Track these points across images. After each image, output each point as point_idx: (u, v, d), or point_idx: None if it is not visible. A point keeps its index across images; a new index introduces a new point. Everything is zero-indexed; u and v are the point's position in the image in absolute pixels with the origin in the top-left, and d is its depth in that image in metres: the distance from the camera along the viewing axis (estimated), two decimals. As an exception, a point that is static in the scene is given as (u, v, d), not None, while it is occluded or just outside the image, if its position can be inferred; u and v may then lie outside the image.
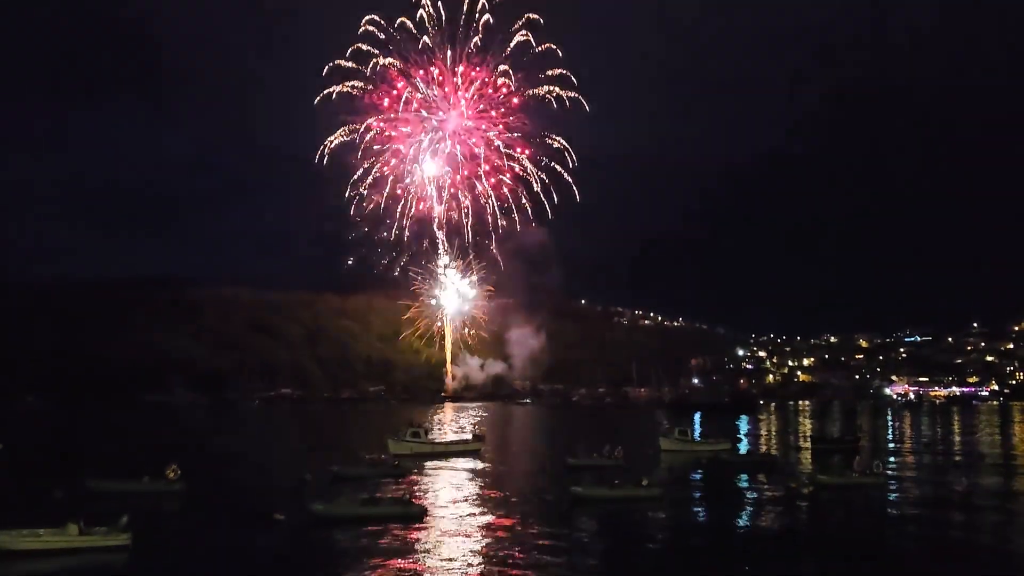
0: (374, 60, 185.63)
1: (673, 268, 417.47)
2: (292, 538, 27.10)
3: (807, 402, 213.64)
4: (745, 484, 41.30)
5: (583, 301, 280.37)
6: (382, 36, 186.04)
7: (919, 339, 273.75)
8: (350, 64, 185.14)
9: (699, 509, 35.69)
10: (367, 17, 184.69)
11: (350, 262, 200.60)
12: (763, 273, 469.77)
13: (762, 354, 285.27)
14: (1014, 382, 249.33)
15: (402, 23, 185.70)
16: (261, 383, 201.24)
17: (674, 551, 26.49)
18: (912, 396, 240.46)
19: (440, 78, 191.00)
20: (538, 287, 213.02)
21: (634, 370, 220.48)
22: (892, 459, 54.84)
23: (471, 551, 25.36)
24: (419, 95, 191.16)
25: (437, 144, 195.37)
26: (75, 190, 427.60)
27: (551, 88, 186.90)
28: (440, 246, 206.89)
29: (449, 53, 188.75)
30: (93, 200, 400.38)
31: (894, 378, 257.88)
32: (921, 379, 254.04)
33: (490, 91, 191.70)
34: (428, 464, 48.96)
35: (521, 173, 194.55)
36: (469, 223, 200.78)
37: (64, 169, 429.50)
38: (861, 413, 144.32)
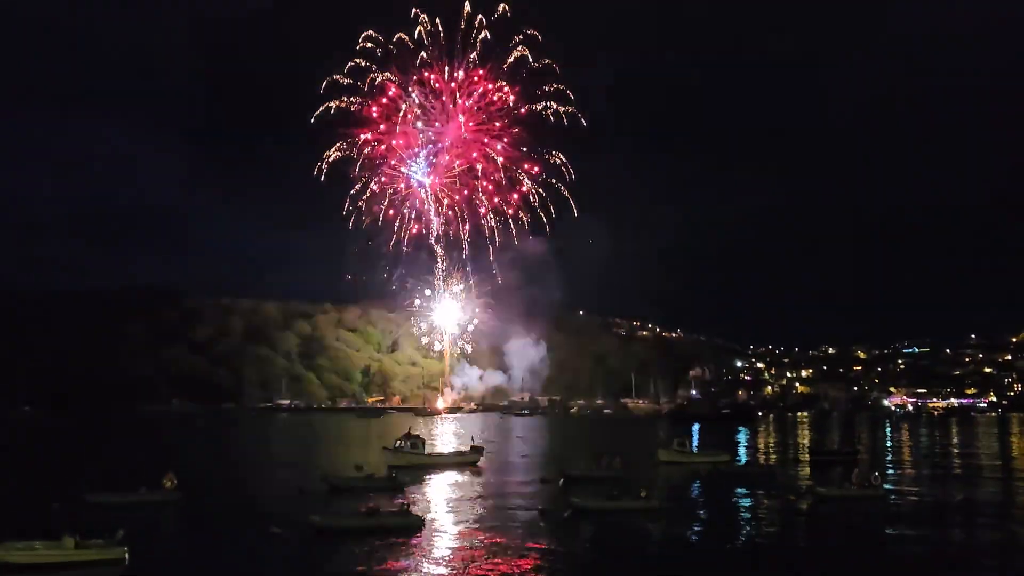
0: (371, 75, 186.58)
1: (672, 279, 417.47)
2: (290, 550, 26.98)
3: (805, 413, 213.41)
4: (744, 496, 41.20)
5: (581, 312, 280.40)
6: (380, 51, 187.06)
7: (917, 350, 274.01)
8: (348, 79, 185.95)
9: (698, 521, 35.56)
10: (365, 33, 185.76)
11: (348, 277, 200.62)
12: (762, 284, 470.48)
13: (760, 365, 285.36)
14: (1012, 394, 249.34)
15: (400, 39, 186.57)
16: (259, 394, 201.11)
17: (672, 563, 26.38)
18: (910, 408, 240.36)
19: (438, 91, 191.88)
20: (536, 298, 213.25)
21: (632, 381, 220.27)
22: (891, 471, 54.74)
23: (470, 562, 25.26)
24: (417, 109, 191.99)
25: (435, 157, 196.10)
26: (72, 202, 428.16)
27: (548, 103, 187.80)
28: (438, 258, 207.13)
29: (447, 68, 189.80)
30: (90, 211, 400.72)
31: (892, 389, 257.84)
32: (919, 391, 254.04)
33: (488, 105, 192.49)
34: (426, 475, 48.81)
35: (519, 186, 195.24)
36: (467, 235, 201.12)
37: (62, 181, 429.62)
38: (859, 425, 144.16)
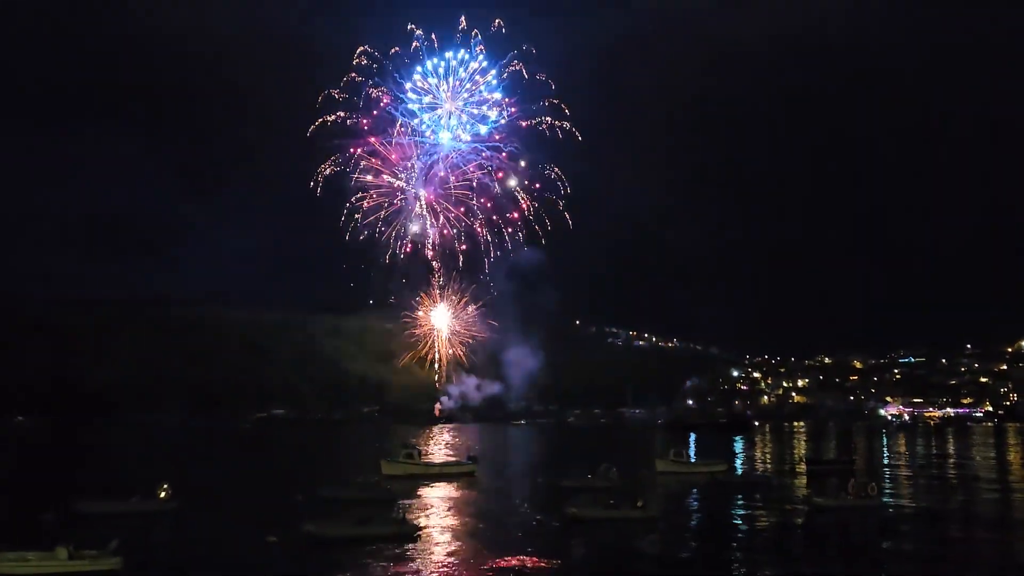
0: (367, 90, 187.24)
1: (668, 289, 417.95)
2: (285, 559, 26.83)
3: (802, 423, 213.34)
4: (740, 506, 41.11)
5: (577, 322, 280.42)
6: (375, 66, 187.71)
7: (913, 360, 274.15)
8: (344, 94, 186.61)
9: (694, 531, 35.48)
10: (360, 49, 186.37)
11: (351, 285, 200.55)
12: (758, 294, 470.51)
13: (757, 375, 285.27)
14: (1008, 403, 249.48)
15: (395, 53, 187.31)
16: (254, 403, 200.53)
17: (669, 573, 26.28)
18: (907, 417, 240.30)
19: (433, 105, 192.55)
20: (533, 308, 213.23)
21: (629, 391, 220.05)
22: (887, 481, 54.69)
23: (463, 571, 25.14)
24: (412, 122, 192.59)
25: (430, 169, 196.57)
26: (68, 213, 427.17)
27: (543, 118, 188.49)
28: (434, 268, 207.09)
29: (443, 81, 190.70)
30: (85, 222, 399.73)
31: (888, 399, 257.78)
32: (915, 400, 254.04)
33: (484, 117, 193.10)
34: (422, 485, 48.64)
35: (515, 197, 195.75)
36: (463, 245, 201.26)
37: (57, 192, 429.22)
38: (856, 434, 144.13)
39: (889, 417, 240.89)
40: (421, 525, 32.24)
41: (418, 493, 45.11)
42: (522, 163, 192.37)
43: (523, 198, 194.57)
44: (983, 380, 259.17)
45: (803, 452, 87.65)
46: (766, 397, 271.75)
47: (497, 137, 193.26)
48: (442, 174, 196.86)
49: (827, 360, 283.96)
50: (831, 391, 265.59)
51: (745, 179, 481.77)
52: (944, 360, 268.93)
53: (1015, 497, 47.07)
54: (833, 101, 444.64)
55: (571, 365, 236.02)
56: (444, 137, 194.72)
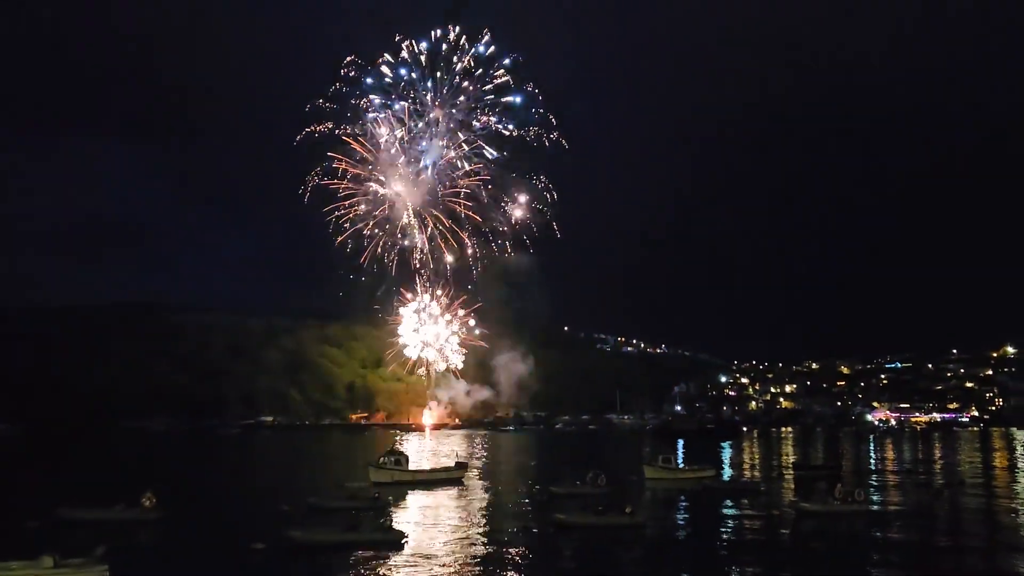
0: (354, 98, 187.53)
1: (654, 295, 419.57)
2: (271, 566, 26.66)
3: (790, 428, 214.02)
4: (729, 512, 41.18)
5: (566, 328, 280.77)
6: (363, 76, 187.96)
7: (900, 366, 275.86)
8: (331, 103, 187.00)
9: (683, 537, 35.52)
10: (348, 58, 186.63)
11: (340, 293, 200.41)
12: (745, 300, 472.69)
13: (745, 381, 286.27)
14: (994, 408, 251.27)
15: (385, 61, 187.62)
16: (241, 410, 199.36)
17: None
18: (893, 422, 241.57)
19: (420, 112, 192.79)
20: (522, 313, 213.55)
21: (617, 397, 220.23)
22: (874, 486, 54.91)
23: (452, 580, 25.07)
24: (399, 130, 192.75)
25: (418, 176, 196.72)
26: (55, 218, 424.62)
27: (532, 128, 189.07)
28: (423, 273, 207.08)
29: (430, 90, 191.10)
30: (73, 227, 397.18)
31: (875, 404, 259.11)
32: (902, 405, 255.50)
33: (472, 125, 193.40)
34: (409, 492, 48.47)
35: (504, 205, 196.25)
36: (452, 251, 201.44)
37: (43, 196, 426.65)
38: (843, 440, 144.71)
39: (876, 422, 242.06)
40: (408, 532, 32.11)
41: (406, 500, 44.96)
42: (511, 172, 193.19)
43: (512, 206, 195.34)
44: (969, 385, 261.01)
45: (791, 457, 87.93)
46: (754, 403, 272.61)
47: (485, 145, 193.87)
48: (430, 182, 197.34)
49: (814, 366, 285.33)
50: (818, 396, 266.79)
51: (735, 187, 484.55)
52: (930, 365, 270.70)
53: (1000, 502, 47.35)
54: (812, 108, 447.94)
55: (560, 371, 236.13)
56: (432, 145, 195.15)
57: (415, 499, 45.76)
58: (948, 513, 41.97)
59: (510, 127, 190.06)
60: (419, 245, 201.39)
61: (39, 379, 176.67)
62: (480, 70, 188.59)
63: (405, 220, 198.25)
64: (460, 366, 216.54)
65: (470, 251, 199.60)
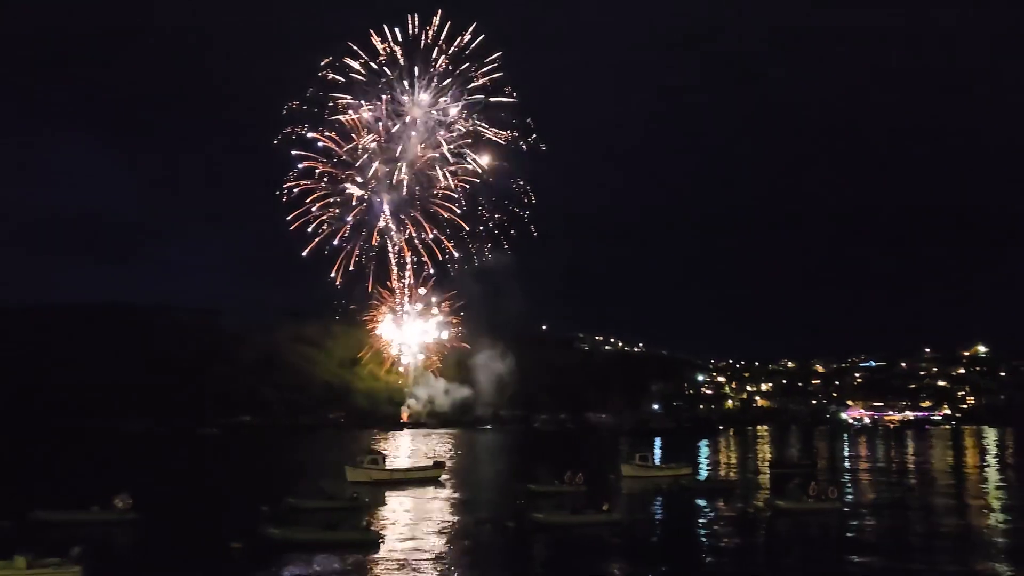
0: (333, 98, 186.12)
1: (633, 294, 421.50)
2: (248, 566, 26.56)
3: (766, 427, 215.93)
4: (705, 509, 41.58)
5: (544, 327, 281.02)
6: (339, 74, 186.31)
7: (874, 364, 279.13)
8: (307, 103, 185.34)
9: (659, 534, 35.82)
10: (326, 60, 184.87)
11: (317, 292, 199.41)
12: (723, 300, 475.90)
13: (721, 379, 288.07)
14: (965, 406, 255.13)
15: (364, 63, 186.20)
16: (219, 410, 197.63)
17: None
18: (867, 420, 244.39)
19: (398, 112, 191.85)
20: (500, 312, 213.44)
21: (595, 396, 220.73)
22: (848, 483, 55.62)
23: (430, 579, 25.15)
24: (376, 129, 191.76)
25: (395, 176, 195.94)
26: (29, 217, 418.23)
27: (507, 131, 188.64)
28: (400, 272, 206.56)
29: (407, 90, 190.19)
30: (48, 226, 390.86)
31: (850, 403, 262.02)
32: (876, 404, 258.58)
33: (449, 125, 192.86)
34: (387, 491, 48.42)
35: (480, 204, 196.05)
36: (429, 250, 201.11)
37: (16, 194, 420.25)
38: (818, 438, 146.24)
39: (850, 420, 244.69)
40: (386, 531, 32.13)
41: (383, 499, 44.91)
42: (488, 172, 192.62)
43: (488, 206, 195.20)
44: (941, 384, 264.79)
45: (766, 455, 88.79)
46: (731, 401, 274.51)
47: (462, 145, 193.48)
48: (407, 181, 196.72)
49: (790, 365, 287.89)
50: (794, 395, 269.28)
51: (709, 189, 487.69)
52: (903, 364, 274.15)
53: (970, 499, 48.16)
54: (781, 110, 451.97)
55: (538, 370, 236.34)
56: (409, 144, 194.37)
57: (393, 498, 45.73)
58: (920, 510, 42.63)
59: (487, 127, 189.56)
60: (396, 246, 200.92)
61: (9, 380, 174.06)
62: (460, 68, 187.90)
63: (382, 223, 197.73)
64: (436, 363, 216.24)
65: (448, 251, 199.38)
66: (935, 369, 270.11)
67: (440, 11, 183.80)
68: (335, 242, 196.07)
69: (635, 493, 49.47)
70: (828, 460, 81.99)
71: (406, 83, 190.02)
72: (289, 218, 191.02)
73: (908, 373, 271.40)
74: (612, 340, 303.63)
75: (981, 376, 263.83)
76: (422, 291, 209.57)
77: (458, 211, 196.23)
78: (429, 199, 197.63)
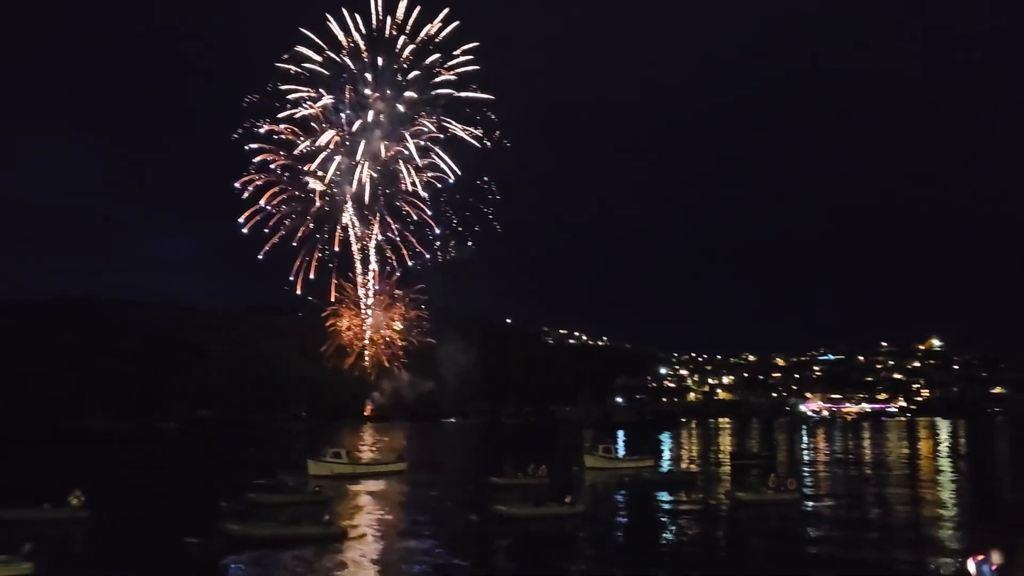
0: (293, 90, 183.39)
1: (597, 288, 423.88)
2: (205, 563, 26.12)
3: (727, 419, 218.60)
4: (667, 501, 41.93)
5: (509, 320, 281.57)
6: (301, 68, 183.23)
7: (832, 358, 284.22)
8: (268, 99, 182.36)
9: (622, 526, 36.02)
10: (284, 56, 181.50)
11: (281, 287, 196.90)
12: (685, 294, 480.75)
13: (684, 373, 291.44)
14: (920, 399, 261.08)
15: (328, 57, 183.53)
16: (182, 405, 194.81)
17: (594, 570, 26.59)
18: (826, 413, 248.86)
19: (361, 103, 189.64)
20: (465, 306, 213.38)
21: (559, 389, 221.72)
22: (806, 474, 56.49)
23: (390, 572, 24.96)
24: (339, 123, 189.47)
25: (357, 170, 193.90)
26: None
27: (472, 127, 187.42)
28: (364, 267, 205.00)
29: (371, 83, 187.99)
30: (10, 219, 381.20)
31: (809, 395, 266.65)
32: (834, 396, 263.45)
33: (412, 119, 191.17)
34: (350, 485, 48.07)
35: (444, 198, 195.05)
36: (393, 244, 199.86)
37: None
38: (777, 430, 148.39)
39: (809, 413, 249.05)
40: (348, 525, 31.85)
41: (347, 493, 44.58)
42: (452, 167, 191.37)
43: (453, 202, 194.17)
44: (897, 377, 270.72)
45: (728, 447, 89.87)
46: (693, 394, 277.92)
47: (426, 139, 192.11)
48: (370, 176, 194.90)
49: (751, 358, 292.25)
50: (755, 388, 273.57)
51: (672, 184, 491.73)
52: (861, 358, 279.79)
53: (924, 489, 49.20)
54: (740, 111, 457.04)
55: (502, 364, 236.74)
56: (371, 138, 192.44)
57: (356, 492, 45.40)
58: (875, 500, 43.42)
59: (451, 121, 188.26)
60: (359, 241, 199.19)
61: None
62: (427, 60, 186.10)
63: (344, 219, 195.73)
64: (400, 356, 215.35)
65: (412, 244, 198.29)
66: (891, 363, 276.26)
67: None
68: (298, 236, 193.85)
69: (598, 485, 49.73)
70: (787, 452, 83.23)
71: (368, 76, 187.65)
72: (245, 215, 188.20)
73: (865, 366, 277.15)
74: (576, 334, 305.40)
75: (935, 369, 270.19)
76: (386, 286, 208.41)
77: (422, 207, 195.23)
78: (393, 195, 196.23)
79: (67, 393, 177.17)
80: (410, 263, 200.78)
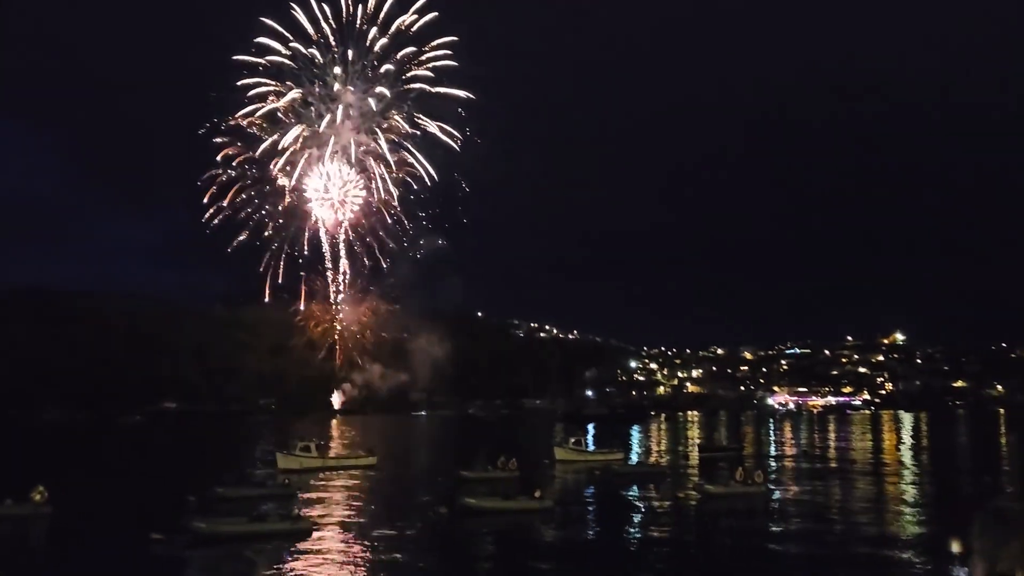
0: (262, 86, 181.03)
1: (567, 283, 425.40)
2: (172, 559, 25.78)
3: (696, 412, 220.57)
4: (636, 494, 42.19)
5: (479, 313, 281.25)
6: (268, 63, 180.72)
7: (799, 352, 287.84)
8: (235, 91, 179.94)
9: (591, 519, 36.17)
10: (251, 44, 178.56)
11: (248, 277, 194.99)
12: (655, 288, 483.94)
13: (653, 366, 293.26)
14: (884, 392, 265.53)
15: (295, 49, 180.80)
16: (143, 397, 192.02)
17: (564, 562, 26.67)
18: (792, 406, 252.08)
19: (331, 96, 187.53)
20: (436, 297, 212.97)
21: (530, 382, 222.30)
22: (773, 467, 57.18)
23: (358, 567, 24.83)
24: (308, 117, 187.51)
25: (326, 161, 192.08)
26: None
27: (443, 125, 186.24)
28: (335, 259, 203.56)
29: (340, 75, 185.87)
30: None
31: (776, 389, 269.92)
32: (800, 389, 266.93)
33: (383, 110, 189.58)
34: (320, 479, 47.75)
35: (414, 193, 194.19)
36: (364, 238, 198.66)
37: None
38: (745, 423, 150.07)
39: (776, 406, 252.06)
40: (316, 520, 31.63)
41: (315, 487, 44.27)
42: (424, 163, 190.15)
43: (423, 196, 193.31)
44: (862, 370, 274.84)
45: (696, 440, 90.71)
46: (662, 387, 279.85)
47: (398, 135, 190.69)
48: (341, 167, 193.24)
49: (719, 351, 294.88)
50: (723, 381, 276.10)
51: (644, 177, 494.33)
52: (827, 352, 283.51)
53: (888, 481, 50.04)
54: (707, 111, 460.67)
55: (473, 356, 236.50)
56: (340, 128, 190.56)
57: (324, 486, 45.11)
58: (840, 492, 44.07)
59: (421, 114, 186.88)
60: (329, 234, 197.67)
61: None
62: (398, 55, 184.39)
63: (314, 215, 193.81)
64: (372, 348, 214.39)
65: (383, 240, 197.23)
66: (856, 356, 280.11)
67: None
68: (266, 232, 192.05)
69: (568, 478, 49.90)
70: (755, 445, 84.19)
71: (338, 69, 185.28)
72: (212, 210, 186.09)
73: (831, 360, 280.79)
74: (547, 327, 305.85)
75: (899, 363, 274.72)
76: (357, 281, 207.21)
77: (393, 202, 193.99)
78: (363, 189, 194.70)
79: (18, 386, 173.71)
80: (380, 258, 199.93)
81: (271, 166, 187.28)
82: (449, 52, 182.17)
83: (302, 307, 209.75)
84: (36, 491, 33.51)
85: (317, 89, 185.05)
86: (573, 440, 63.42)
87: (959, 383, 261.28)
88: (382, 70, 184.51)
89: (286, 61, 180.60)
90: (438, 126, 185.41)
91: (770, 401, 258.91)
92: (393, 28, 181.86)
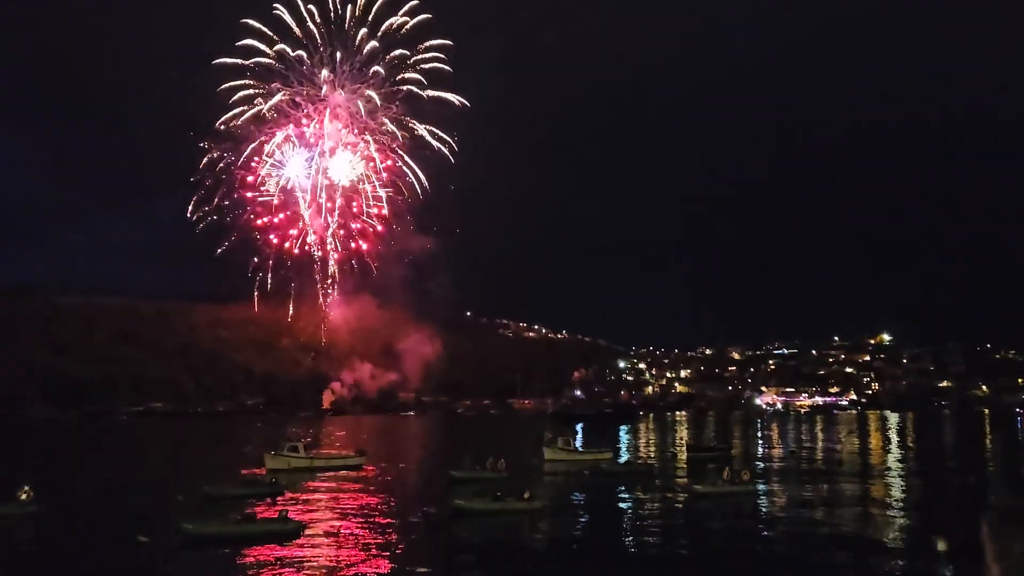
0: (248, 88, 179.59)
1: (558, 282, 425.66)
2: (159, 561, 25.68)
3: (684, 412, 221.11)
4: (625, 494, 42.29)
5: (468, 313, 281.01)
6: (253, 64, 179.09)
7: (786, 352, 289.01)
8: (225, 93, 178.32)
9: (580, 520, 36.21)
10: (238, 44, 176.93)
11: (237, 277, 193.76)
12: (645, 288, 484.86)
13: (642, 366, 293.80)
14: (870, 392, 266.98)
15: (280, 50, 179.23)
16: (130, 396, 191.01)
17: (554, 563, 26.72)
18: (780, 406, 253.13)
19: (319, 98, 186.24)
20: (426, 296, 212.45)
21: (519, 382, 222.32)
22: (760, 467, 57.42)
23: (347, 567, 24.81)
24: (296, 118, 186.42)
25: (316, 161, 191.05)
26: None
27: (432, 129, 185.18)
28: (324, 260, 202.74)
29: (328, 78, 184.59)
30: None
31: (763, 389, 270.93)
32: (788, 390, 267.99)
33: (371, 112, 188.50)
34: (308, 480, 47.64)
35: (403, 193, 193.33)
36: (352, 237, 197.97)
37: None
38: (733, 422, 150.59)
39: (764, 405, 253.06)
40: (305, 521, 31.56)
41: (304, 488, 44.17)
42: (414, 167, 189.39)
43: (413, 198, 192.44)
44: (848, 371, 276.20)
45: (685, 440, 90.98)
46: (650, 387, 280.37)
47: (388, 138, 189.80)
48: (329, 167, 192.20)
49: (708, 352, 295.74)
50: (711, 381, 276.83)
51: (625, 180, 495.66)
52: (814, 352, 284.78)
53: (874, 480, 50.37)
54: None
55: (462, 356, 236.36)
56: (329, 130, 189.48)
57: (314, 487, 45.02)
58: (828, 491, 44.32)
59: (409, 114, 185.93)
60: (315, 226, 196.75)
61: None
62: (387, 57, 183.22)
63: (304, 217, 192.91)
64: (362, 348, 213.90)
65: (372, 241, 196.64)
66: (843, 357, 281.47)
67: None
68: (255, 233, 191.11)
69: (557, 478, 49.94)
70: (743, 444, 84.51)
71: (325, 71, 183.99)
72: (200, 211, 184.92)
73: (818, 360, 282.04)
74: (536, 327, 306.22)
75: (885, 364, 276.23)
76: (347, 280, 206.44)
77: (382, 203, 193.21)
78: (353, 192, 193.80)
79: (4, 384, 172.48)
80: (369, 259, 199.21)
81: (259, 167, 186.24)
82: (441, 56, 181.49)
83: (291, 307, 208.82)
84: (22, 490, 33.32)
85: (304, 91, 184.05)
86: (562, 440, 63.45)
87: (945, 383, 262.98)
88: (371, 72, 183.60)
89: (271, 62, 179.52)
90: (429, 130, 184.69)
91: (758, 401, 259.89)
92: (383, 29, 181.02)
